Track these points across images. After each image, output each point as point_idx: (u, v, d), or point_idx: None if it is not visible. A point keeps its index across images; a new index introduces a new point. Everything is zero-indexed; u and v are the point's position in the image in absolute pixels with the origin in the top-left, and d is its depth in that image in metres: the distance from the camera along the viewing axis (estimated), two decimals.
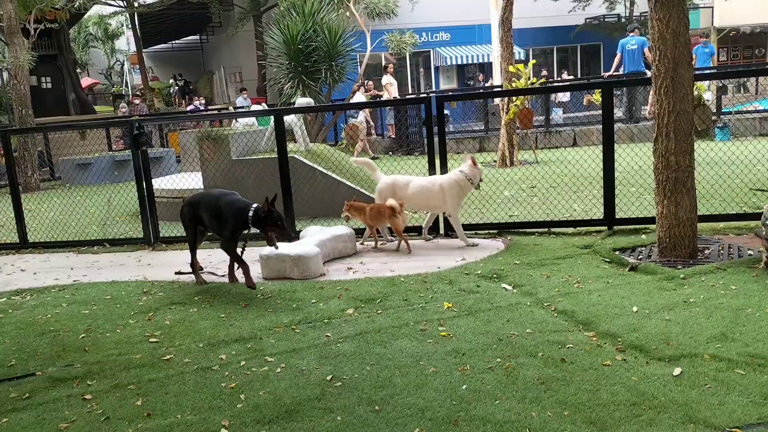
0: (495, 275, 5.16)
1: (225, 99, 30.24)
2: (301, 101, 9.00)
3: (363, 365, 3.62)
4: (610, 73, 15.18)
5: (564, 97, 19.37)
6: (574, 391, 3.13)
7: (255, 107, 12.24)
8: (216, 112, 20.06)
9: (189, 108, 23.63)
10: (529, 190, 9.07)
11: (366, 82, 18.53)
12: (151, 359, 3.92)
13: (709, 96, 13.48)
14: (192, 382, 3.56)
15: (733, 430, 2.69)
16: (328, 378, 3.47)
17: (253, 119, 11.16)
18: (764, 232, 4.72)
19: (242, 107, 19.05)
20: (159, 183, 8.90)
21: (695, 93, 8.55)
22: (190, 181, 8.43)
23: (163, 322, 4.59)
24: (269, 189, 7.61)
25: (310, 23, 14.34)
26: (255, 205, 5.15)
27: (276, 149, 7.04)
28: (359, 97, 14.87)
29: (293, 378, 3.52)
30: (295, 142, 9.00)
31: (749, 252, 5.20)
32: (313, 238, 6.00)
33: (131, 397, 3.43)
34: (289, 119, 8.60)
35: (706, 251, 5.31)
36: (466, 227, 6.81)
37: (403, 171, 9.31)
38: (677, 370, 3.24)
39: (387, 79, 16.78)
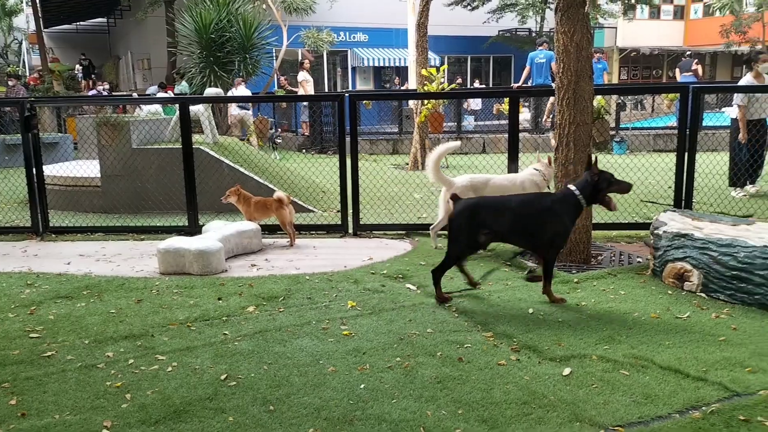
0: (400, 275, 5.18)
1: (131, 86, 28.94)
2: (210, 91, 8.73)
3: (260, 364, 3.51)
4: (518, 84, 15.68)
5: (475, 105, 19.89)
6: (468, 390, 3.16)
7: (161, 95, 11.75)
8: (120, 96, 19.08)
9: (90, 93, 22.42)
10: (438, 194, 9.19)
11: (280, 76, 18.26)
12: (30, 356, 3.65)
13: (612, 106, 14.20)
14: (74, 380, 3.33)
15: (616, 428, 2.80)
16: (222, 377, 3.35)
17: (158, 107, 10.72)
18: (652, 241, 4.99)
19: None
20: (52, 170, 8.37)
21: (595, 106, 8.94)
22: (87, 168, 7.97)
23: (47, 317, 4.29)
24: (172, 180, 7.36)
25: (225, 13, 13.97)
26: (574, 185, 4.47)
27: (181, 138, 6.76)
28: (242, 90, 14.31)
29: (184, 377, 3.36)
30: (203, 133, 8.70)
31: (638, 259, 5.48)
32: (216, 232, 5.80)
33: (4, 396, 3.17)
34: (196, 109, 8.31)
35: (599, 257, 5.56)
36: (375, 227, 6.82)
37: (318, 169, 9.22)
38: (567, 370, 3.35)
39: (303, 76, 16.58)
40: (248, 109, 14.20)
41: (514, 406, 3.00)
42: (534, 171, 5.98)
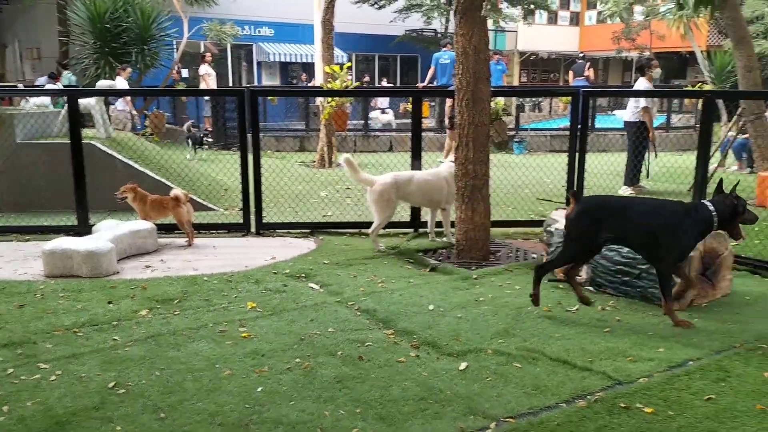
0: (303, 274, 5.13)
1: (19, 77, 27.06)
2: (102, 83, 8.29)
3: (152, 370, 3.37)
4: (424, 84, 15.93)
5: (383, 103, 20.04)
6: (368, 389, 3.17)
7: (50, 86, 11.05)
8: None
9: None
10: (344, 191, 9.20)
11: (178, 67, 17.62)
12: None
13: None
14: None
15: (508, 419, 2.90)
16: (111, 385, 3.19)
17: (45, 99, 10.06)
18: (546, 238, 5.21)
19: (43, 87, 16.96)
20: None
21: (493, 107, 9.23)
22: None
23: None
24: (62, 177, 6.92)
25: (120, 2, 13.33)
26: (710, 202, 4.08)
27: (69, 133, 6.38)
28: (121, 82, 13.63)
29: (69, 386, 3.18)
30: (95, 127, 8.26)
31: (533, 255, 5.70)
32: (108, 232, 5.52)
33: None
34: (86, 102, 7.87)
35: (498, 254, 5.74)
36: (278, 226, 6.73)
37: (220, 167, 8.97)
38: (463, 365, 3.43)
39: (204, 70, 16.08)
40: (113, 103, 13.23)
41: (411, 402, 3.04)
42: (451, 163, 5.93)
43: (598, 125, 16.59)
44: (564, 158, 6.82)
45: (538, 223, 6.50)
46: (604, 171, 8.72)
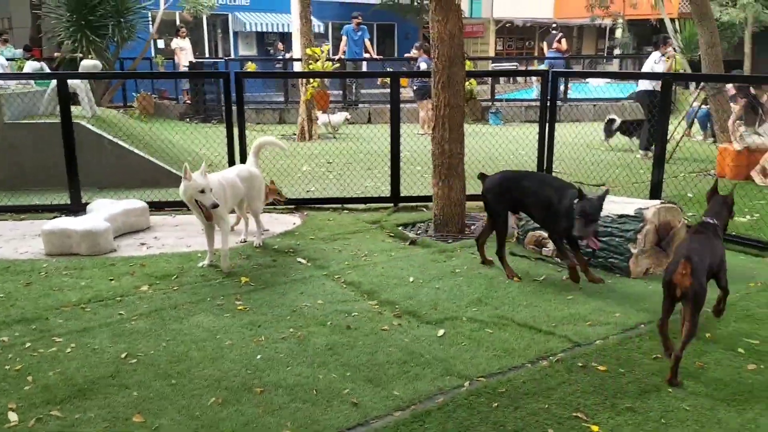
0: (291, 249, 5.46)
1: None
2: (87, 63, 8.41)
3: (159, 342, 3.71)
4: (338, 56, 15.88)
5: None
6: (356, 354, 3.55)
7: (31, 64, 11.04)
8: None
9: None
10: (327, 166, 9.49)
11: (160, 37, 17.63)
12: None
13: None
14: None
15: (479, 379, 3.30)
16: (123, 356, 3.52)
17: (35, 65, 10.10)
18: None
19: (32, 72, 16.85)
20: None
21: (467, 88, 9.59)
22: None
23: None
24: (51, 157, 7.11)
25: None
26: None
27: (60, 114, 6.56)
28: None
29: (85, 357, 3.50)
30: (79, 105, 8.40)
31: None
32: (102, 211, 5.78)
33: None
34: (72, 81, 8.01)
35: (473, 227, 6.11)
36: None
37: (202, 141, 9.17)
38: (441, 332, 3.82)
39: (177, 43, 16.10)
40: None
41: (395, 365, 3.43)
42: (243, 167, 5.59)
43: (572, 95, 17.00)
44: (537, 129, 7.14)
45: None
46: (575, 141, 9.11)
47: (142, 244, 5.66)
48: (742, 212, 6.46)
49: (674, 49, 13.58)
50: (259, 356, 3.53)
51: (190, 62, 16.85)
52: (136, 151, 7.86)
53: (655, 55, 10.80)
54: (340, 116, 13.59)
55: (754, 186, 7.89)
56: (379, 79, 17.62)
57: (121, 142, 7.84)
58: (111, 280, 4.71)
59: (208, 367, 3.42)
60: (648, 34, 26.06)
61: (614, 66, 28.25)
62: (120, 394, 3.15)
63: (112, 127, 8.22)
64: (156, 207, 6.59)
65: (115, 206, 5.95)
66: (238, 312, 4.14)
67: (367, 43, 16.35)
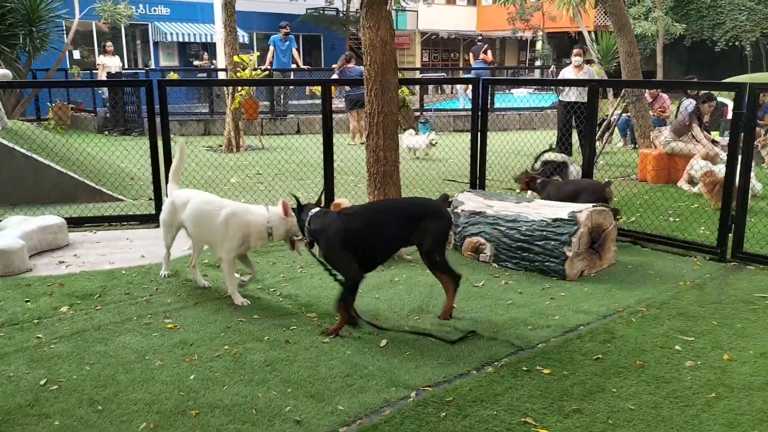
0: None
1: None
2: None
3: (82, 365, 3.44)
4: (265, 66, 15.68)
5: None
6: (296, 369, 3.40)
7: None
8: None
9: None
10: (256, 177, 9.25)
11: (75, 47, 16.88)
12: None
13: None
14: None
15: (426, 388, 3.22)
16: (42, 382, 3.24)
17: None
18: (452, 218, 5.57)
19: None
20: None
21: (400, 95, 9.59)
22: None
23: None
24: None
25: None
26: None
27: None
28: None
29: None
30: None
31: None
32: (15, 229, 5.38)
33: None
34: None
35: None
36: None
37: (123, 154, 8.77)
38: (383, 342, 3.72)
39: (102, 60, 15.55)
40: None
41: (338, 379, 3.30)
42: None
43: (498, 105, 17.38)
44: (467, 137, 7.20)
45: (447, 205, 6.88)
46: (504, 150, 9.25)
47: (61, 262, 5.30)
48: (666, 214, 6.71)
49: (593, 60, 14.14)
50: (192, 376, 3.33)
51: (109, 73, 16.19)
52: (52, 165, 7.41)
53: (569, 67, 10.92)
54: (422, 139, 11.13)
55: (675, 189, 8.23)
56: (308, 90, 17.43)
57: (35, 156, 7.37)
58: (27, 301, 4.36)
59: (138, 390, 3.19)
60: (567, 46, 27.06)
61: (536, 76, 29.17)
62: (40, 424, 2.89)
63: (25, 140, 7.72)
64: (75, 223, 6.21)
65: (29, 223, 5.56)
66: (168, 330, 3.91)
67: (295, 53, 16.20)
